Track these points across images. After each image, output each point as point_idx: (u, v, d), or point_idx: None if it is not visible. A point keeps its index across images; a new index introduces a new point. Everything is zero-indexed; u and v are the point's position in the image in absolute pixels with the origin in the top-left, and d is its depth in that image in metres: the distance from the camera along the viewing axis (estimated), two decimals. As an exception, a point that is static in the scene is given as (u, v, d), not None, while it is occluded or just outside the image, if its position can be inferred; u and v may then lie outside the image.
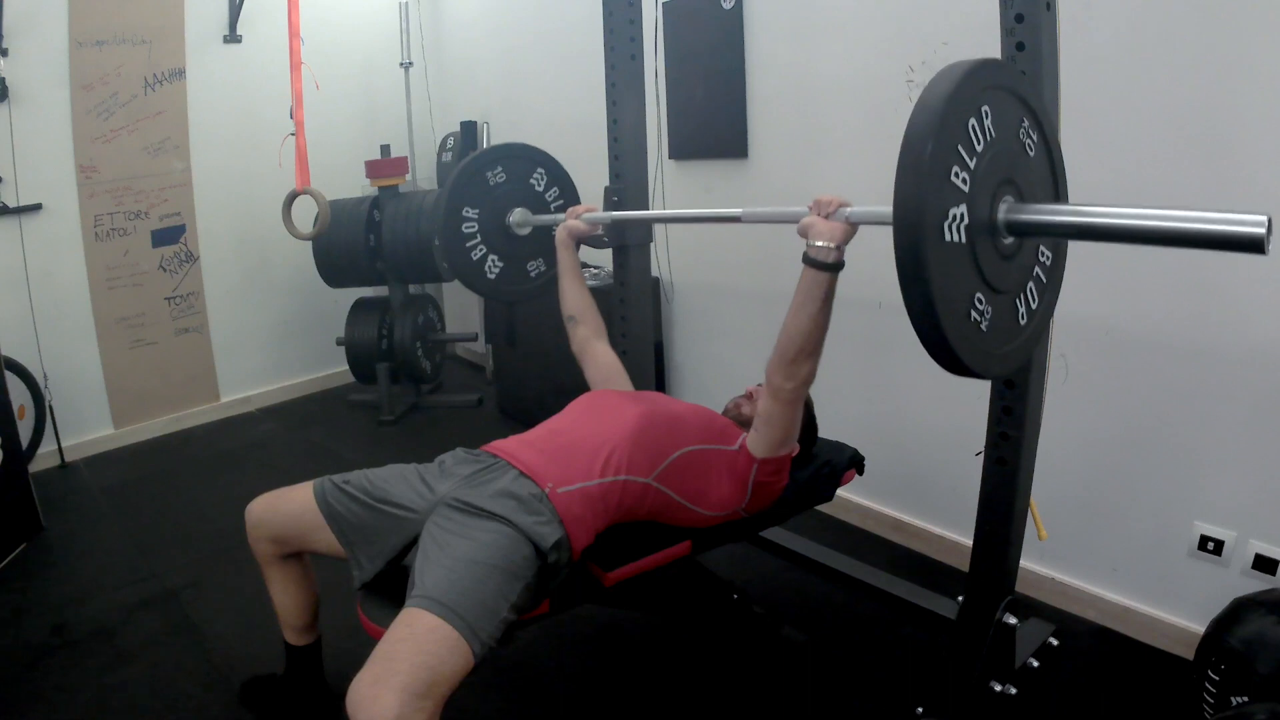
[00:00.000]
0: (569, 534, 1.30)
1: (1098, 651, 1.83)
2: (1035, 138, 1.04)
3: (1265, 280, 1.55)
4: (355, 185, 3.63)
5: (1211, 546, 1.70)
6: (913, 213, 0.86)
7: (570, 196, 2.05)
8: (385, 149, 3.48)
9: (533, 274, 2.02)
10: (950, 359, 0.92)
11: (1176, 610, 1.80)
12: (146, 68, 3.16)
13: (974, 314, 0.94)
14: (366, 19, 3.86)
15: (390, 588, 1.35)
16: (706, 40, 2.57)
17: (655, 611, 1.88)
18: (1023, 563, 1.49)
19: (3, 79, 2.80)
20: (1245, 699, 1.37)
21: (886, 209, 1.00)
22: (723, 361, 2.83)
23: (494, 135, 3.87)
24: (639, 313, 2.00)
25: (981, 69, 0.92)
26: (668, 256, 2.80)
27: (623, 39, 1.89)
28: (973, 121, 0.91)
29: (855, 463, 1.73)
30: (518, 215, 1.95)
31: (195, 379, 3.52)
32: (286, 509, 1.45)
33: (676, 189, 2.78)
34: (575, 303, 1.79)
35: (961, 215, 0.90)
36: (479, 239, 1.92)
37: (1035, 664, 1.44)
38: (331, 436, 3.35)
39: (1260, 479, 1.62)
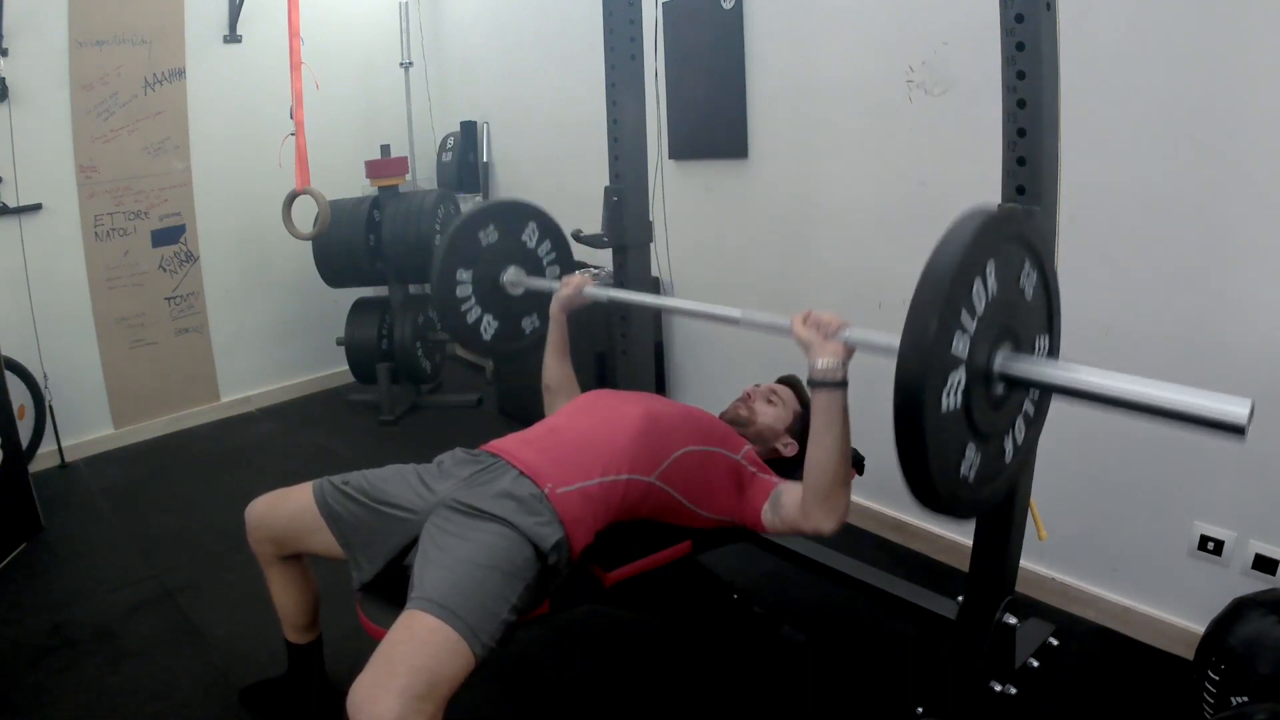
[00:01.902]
0: (569, 534, 1.30)
1: (1098, 651, 1.83)
2: (1034, 279, 1.06)
3: (1266, 280, 1.56)
4: (355, 185, 3.63)
5: (1211, 546, 1.70)
6: (914, 389, 0.88)
7: (562, 250, 2.04)
8: (385, 149, 3.48)
9: (528, 330, 2.03)
10: (939, 510, 0.96)
11: (1176, 610, 1.80)
12: (146, 68, 3.16)
13: (964, 466, 0.97)
14: (366, 19, 3.86)
15: (390, 588, 1.35)
16: (706, 40, 2.57)
17: (655, 611, 1.88)
18: (1023, 563, 1.48)
19: (3, 79, 2.79)
20: (1245, 699, 1.37)
21: (887, 338, 1.05)
22: (723, 362, 2.83)
23: (494, 135, 3.87)
24: (639, 313, 2.00)
25: (991, 226, 0.93)
26: (668, 256, 2.80)
27: (623, 39, 1.89)
28: (978, 283, 0.93)
29: (856, 463, 1.73)
30: (511, 274, 1.94)
31: (195, 379, 3.52)
32: (286, 510, 1.45)
33: (676, 189, 2.78)
34: (556, 376, 1.79)
35: (960, 381, 0.92)
36: (473, 300, 1.92)
37: (1035, 664, 1.44)
38: (331, 436, 3.35)
39: (1260, 479, 1.62)
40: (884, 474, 2.05)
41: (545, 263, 2.02)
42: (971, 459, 0.98)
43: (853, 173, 2.26)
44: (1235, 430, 0.85)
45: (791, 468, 1.50)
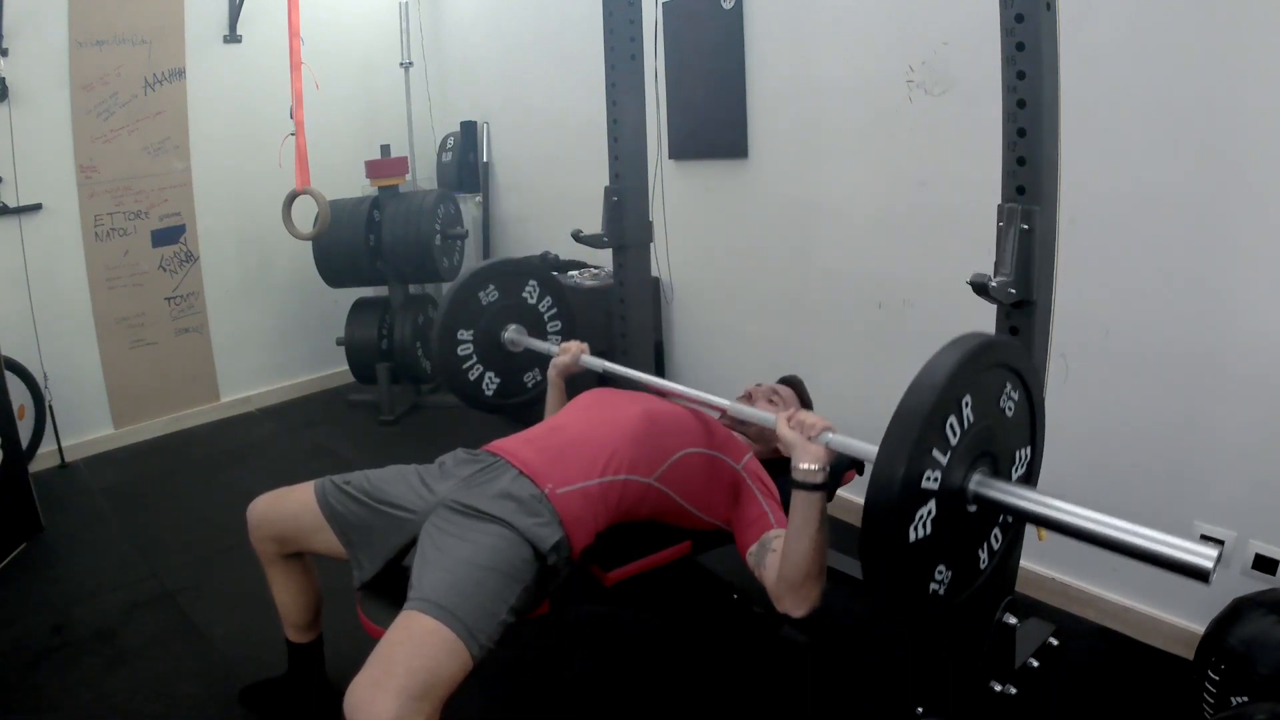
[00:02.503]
0: (568, 535, 1.30)
1: (1098, 651, 1.83)
2: (1017, 397, 1.08)
3: (1265, 281, 1.56)
4: (355, 185, 3.63)
5: (1211, 546, 1.70)
6: (878, 528, 0.90)
7: (563, 307, 2.06)
8: (385, 149, 3.48)
9: (530, 385, 2.05)
10: (910, 627, 0.99)
11: (1176, 610, 1.80)
12: (146, 68, 3.16)
13: (934, 585, 0.99)
14: (366, 19, 3.85)
15: (390, 588, 1.35)
16: (706, 40, 2.56)
17: (655, 611, 1.88)
18: (1023, 563, 1.49)
19: (3, 79, 2.79)
20: (1245, 699, 1.37)
21: (868, 448, 1.07)
22: (723, 361, 2.83)
23: (494, 135, 3.87)
24: (639, 313, 2.00)
25: (969, 361, 0.95)
26: (667, 256, 2.80)
27: (623, 39, 1.89)
28: (952, 419, 0.95)
29: (855, 463, 1.73)
30: (512, 333, 1.97)
31: (195, 379, 3.52)
32: (287, 509, 1.45)
33: (676, 189, 2.78)
34: None
35: (930, 511, 0.94)
36: (475, 359, 1.94)
37: (1035, 664, 1.44)
38: (331, 436, 3.35)
39: (1260, 479, 1.62)
40: (884, 474, 2.04)
41: (546, 318, 2.04)
42: (942, 578, 1.00)
43: (853, 173, 2.26)
44: (1200, 576, 0.87)
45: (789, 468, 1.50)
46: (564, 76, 3.26)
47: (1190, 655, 1.55)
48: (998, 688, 1.36)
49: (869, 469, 1.74)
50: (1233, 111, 1.54)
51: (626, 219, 1.95)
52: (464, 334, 1.91)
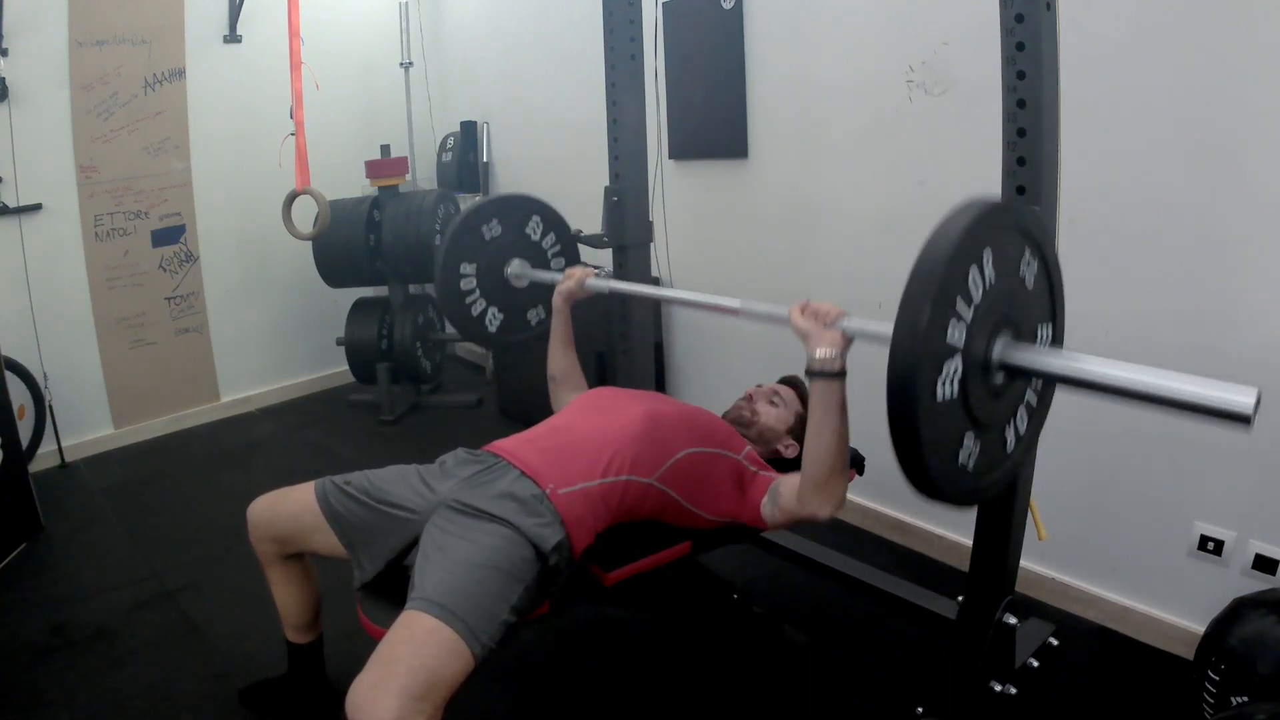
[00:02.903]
0: (569, 535, 1.30)
1: (1098, 651, 1.84)
2: (1035, 267, 1.04)
3: (1265, 281, 1.56)
4: (355, 185, 3.63)
5: (1211, 546, 1.70)
6: (906, 377, 0.87)
7: (567, 242, 2.04)
8: (385, 149, 3.48)
9: (533, 322, 2.03)
10: (937, 498, 0.94)
11: (1176, 610, 1.80)
12: (146, 68, 3.16)
13: (962, 455, 0.96)
14: (366, 19, 3.86)
15: (391, 588, 1.35)
16: (706, 40, 2.56)
17: (655, 611, 1.88)
18: (1023, 563, 1.48)
19: (3, 79, 2.79)
20: (1245, 699, 1.37)
21: (884, 327, 1.02)
22: (723, 362, 2.83)
23: (494, 135, 3.87)
24: (639, 313, 2.00)
25: (987, 216, 0.92)
26: (667, 256, 2.80)
27: (623, 39, 1.89)
28: (974, 271, 0.91)
29: (855, 463, 1.73)
30: (515, 267, 1.94)
31: (195, 379, 3.52)
32: (287, 509, 1.45)
33: (676, 189, 2.78)
34: (560, 366, 1.79)
35: (956, 370, 0.91)
36: (478, 294, 1.92)
37: (1035, 664, 1.44)
38: (331, 436, 3.35)
39: (1260, 479, 1.62)
40: (884, 474, 2.05)
41: (550, 254, 2.01)
42: (970, 448, 0.97)
43: (853, 173, 2.26)
44: (1241, 420, 0.83)
45: (792, 469, 1.50)
46: (564, 76, 3.26)
47: (1190, 655, 1.55)
48: (998, 688, 1.36)
49: (871, 466, 1.75)
50: (1233, 111, 1.54)
51: (626, 219, 1.95)
52: (467, 268, 1.88)
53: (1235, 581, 1.66)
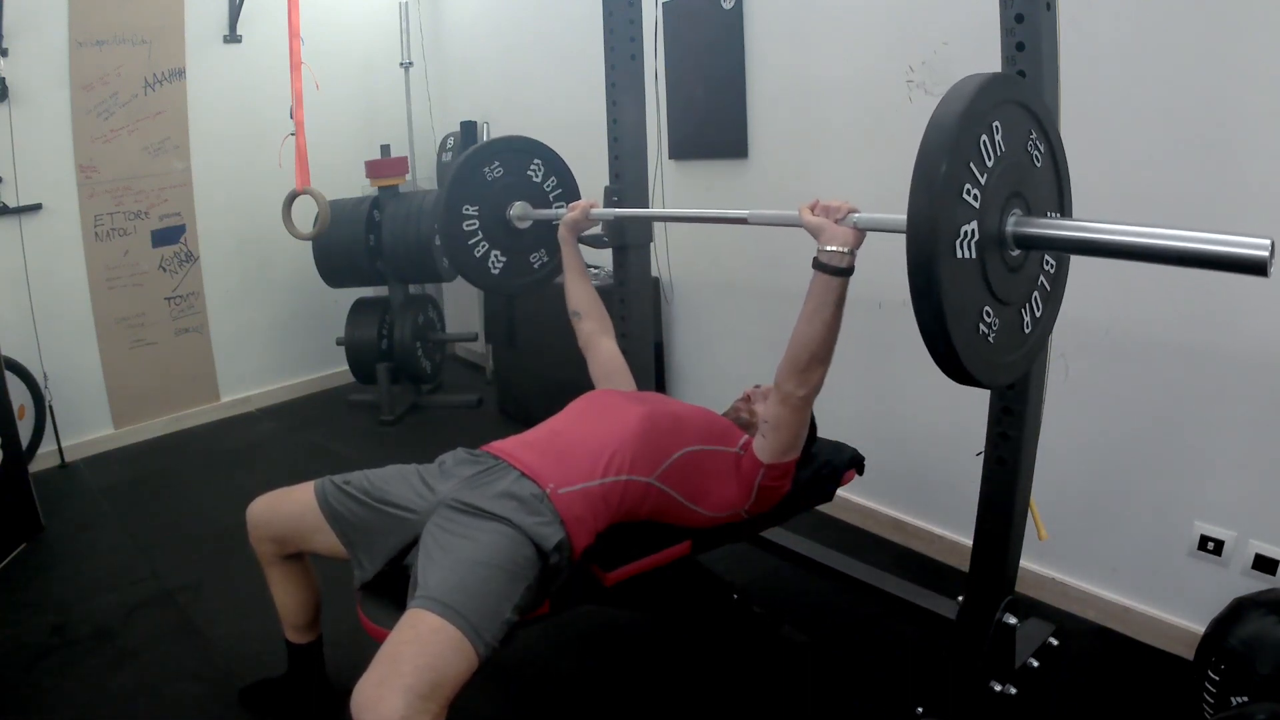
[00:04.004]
0: (570, 535, 1.30)
1: (1098, 651, 1.84)
2: (1042, 148, 1.05)
3: (1265, 280, 1.55)
4: (355, 185, 3.63)
5: (1211, 546, 1.70)
6: (927, 230, 0.87)
7: (568, 185, 2.04)
8: (385, 149, 3.48)
9: (536, 265, 2.02)
10: (958, 370, 0.93)
11: (1176, 610, 1.80)
12: (146, 68, 3.16)
13: (982, 327, 0.96)
14: (366, 19, 3.86)
15: (390, 588, 1.35)
16: (706, 40, 2.57)
17: (655, 611, 1.88)
18: (1023, 563, 1.49)
19: (3, 79, 2.80)
20: (1245, 699, 1.37)
21: (897, 217, 1.01)
22: (723, 361, 2.83)
23: (494, 135, 3.87)
24: (639, 313, 2.00)
25: (993, 84, 0.92)
26: (668, 256, 2.80)
27: (623, 39, 1.89)
28: (984, 138, 0.92)
29: (855, 463, 1.73)
30: (518, 209, 1.94)
31: (195, 379, 3.52)
32: (287, 509, 1.45)
33: (676, 189, 2.78)
34: (580, 298, 1.79)
35: (972, 231, 0.91)
36: (480, 236, 1.91)
37: (1035, 664, 1.44)
38: (331, 436, 3.35)
39: (1260, 479, 1.62)
40: (884, 474, 2.06)
41: (552, 197, 2.01)
42: (990, 321, 0.97)
43: (853, 173, 2.26)
44: (1257, 267, 0.82)
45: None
46: (564, 76, 3.26)
47: (1190, 655, 1.55)
48: (998, 688, 1.36)
49: (868, 469, 1.75)
50: (1233, 111, 1.54)
51: (626, 219, 1.95)
52: (469, 209, 1.88)
53: (1235, 581, 1.66)
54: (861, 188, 2.24)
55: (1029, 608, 1.48)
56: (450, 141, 3.92)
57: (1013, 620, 1.37)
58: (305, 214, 2.66)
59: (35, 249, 2.96)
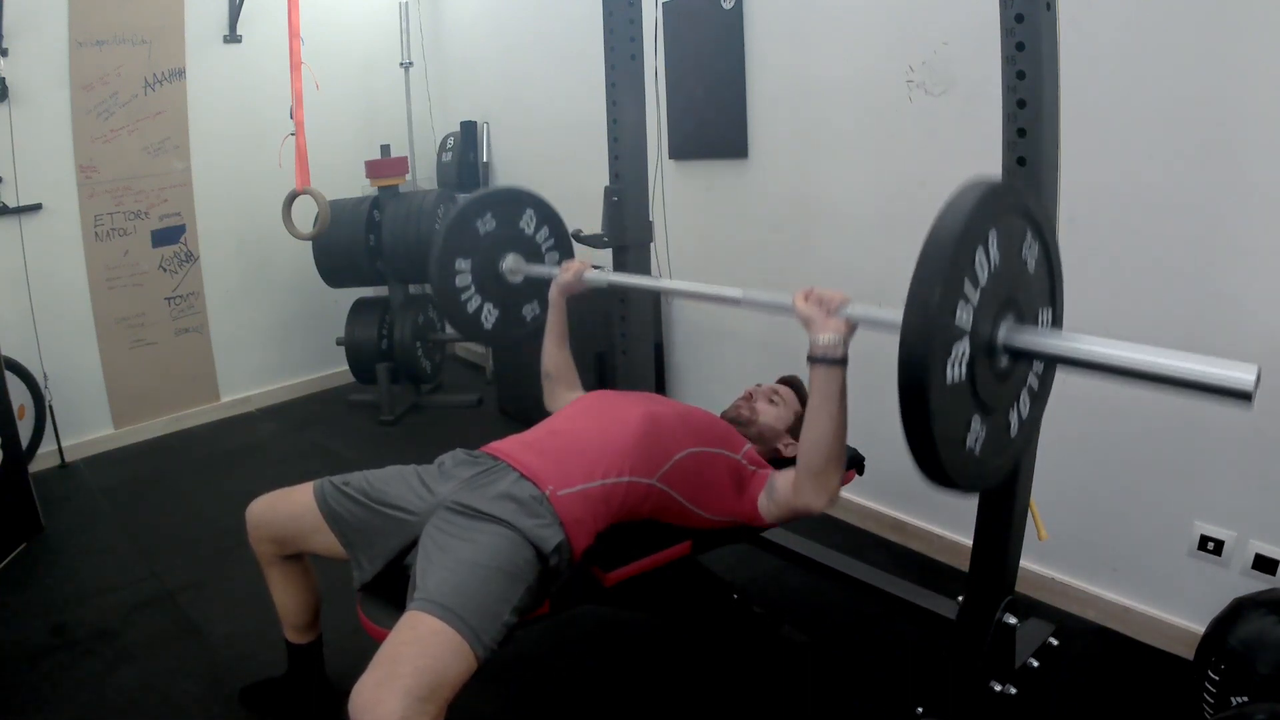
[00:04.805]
0: (569, 536, 1.30)
1: (1098, 651, 1.84)
2: (1036, 250, 1.05)
3: (1265, 281, 1.56)
4: (355, 185, 3.63)
5: (1211, 546, 1.70)
6: (918, 358, 0.87)
7: (561, 236, 2.03)
8: (385, 149, 3.47)
9: (529, 318, 2.02)
10: (946, 485, 0.95)
11: (1176, 610, 1.80)
12: (146, 68, 3.16)
13: (969, 440, 0.96)
14: (366, 19, 3.86)
15: (390, 588, 1.35)
16: (706, 40, 2.57)
17: (655, 611, 1.88)
18: (1023, 563, 1.49)
19: (3, 79, 2.79)
20: (1245, 699, 1.37)
21: (889, 314, 1.03)
22: (723, 362, 2.83)
23: (494, 135, 3.87)
24: (639, 313, 2.00)
25: (991, 198, 0.92)
26: (668, 257, 2.80)
27: (623, 39, 1.89)
28: (980, 252, 0.92)
29: (855, 463, 1.73)
30: (510, 262, 1.93)
31: (195, 379, 3.52)
32: (287, 510, 1.45)
33: (676, 189, 2.78)
34: (555, 363, 1.78)
35: (964, 352, 0.91)
36: (473, 289, 1.90)
37: (1035, 664, 1.44)
38: (331, 436, 3.35)
39: (1260, 479, 1.62)
40: (884, 474, 2.06)
41: (544, 249, 2.00)
42: (977, 432, 0.97)
43: (853, 173, 2.26)
44: (1242, 396, 0.83)
45: (791, 466, 1.50)
46: (564, 76, 3.26)
47: (1190, 655, 1.55)
48: (998, 688, 1.36)
49: (868, 469, 1.75)
50: (1233, 111, 1.54)
51: (626, 219, 1.95)
52: (461, 263, 1.87)
53: (1235, 581, 1.66)
54: (862, 188, 2.25)
55: (1029, 608, 1.48)
56: (450, 141, 3.92)
57: (1013, 620, 1.37)
58: (305, 214, 2.66)
59: (35, 249, 2.95)
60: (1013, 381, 1.03)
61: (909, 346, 0.87)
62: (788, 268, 2.50)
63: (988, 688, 1.37)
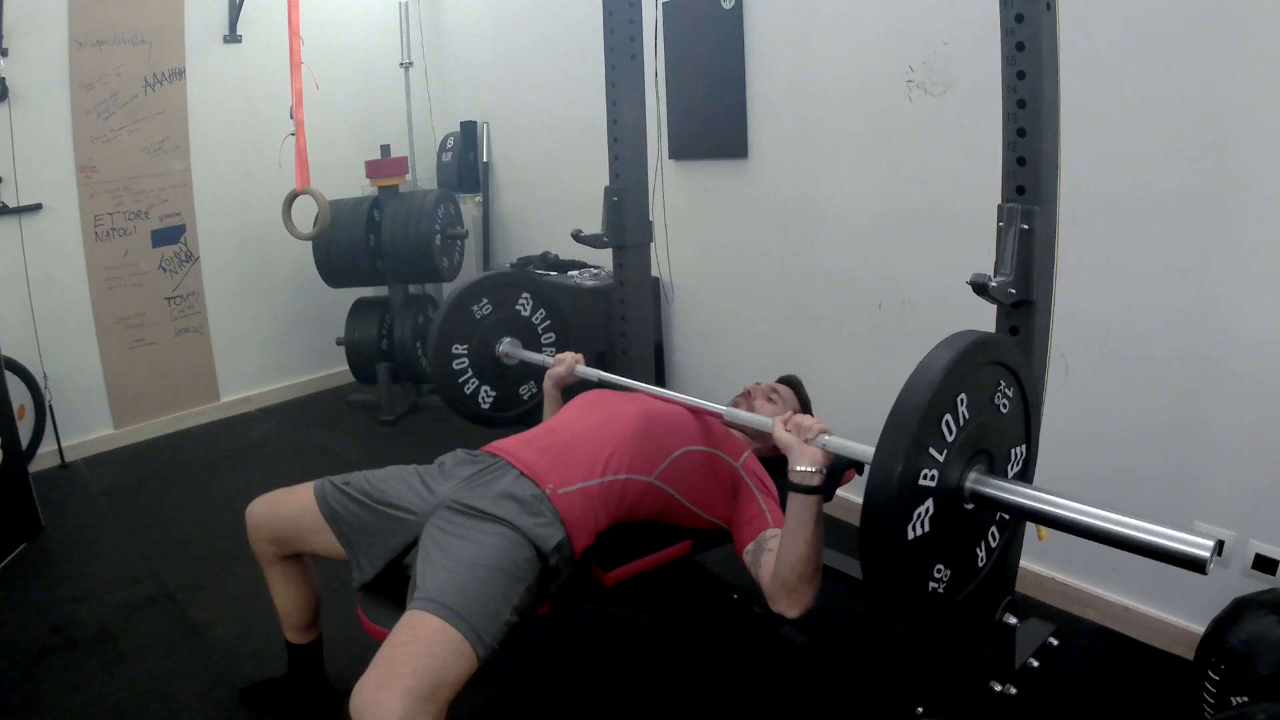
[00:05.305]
0: (570, 535, 1.30)
1: (1098, 651, 1.83)
2: (1012, 393, 1.08)
3: (1265, 280, 1.56)
4: (355, 185, 3.63)
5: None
6: (879, 525, 0.91)
7: (557, 319, 2.06)
8: (385, 149, 3.47)
9: (525, 397, 2.06)
10: (909, 626, 0.99)
11: (1176, 610, 1.80)
12: (146, 68, 3.16)
13: (933, 584, 0.99)
14: (366, 19, 3.85)
15: (390, 588, 1.35)
16: (706, 40, 2.57)
17: (655, 611, 1.88)
18: (1023, 563, 1.49)
19: (3, 79, 2.79)
20: (1245, 699, 1.37)
21: (864, 449, 1.08)
22: (723, 362, 2.83)
23: (494, 135, 3.87)
24: (639, 313, 2.00)
25: (963, 359, 0.95)
26: (668, 256, 2.80)
27: (623, 39, 1.89)
28: (947, 417, 0.95)
29: (855, 462, 1.73)
30: (506, 346, 1.98)
31: (195, 379, 3.52)
32: (287, 510, 1.45)
33: (676, 189, 2.78)
34: None
35: (928, 509, 0.94)
36: (470, 373, 1.95)
37: (1035, 664, 1.44)
38: (331, 436, 3.35)
39: (1260, 479, 1.62)
40: (884, 474, 2.06)
41: (540, 330, 2.05)
42: (941, 576, 1.00)
43: (853, 173, 2.26)
44: (1197, 568, 0.89)
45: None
46: (564, 76, 3.26)
47: (1190, 655, 1.55)
48: (998, 688, 1.36)
49: (869, 469, 1.75)
50: (1233, 112, 1.54)
51: (626, 219, 1.95)
52: (459, 348, 1.92)
53: (1235, 581, 1.66)
54: (862, 188, 2.25)
55: (1029, 608, 1.48)
56: (450, 141, 3.92)
57: (1013, 620, 1.37)
58: (305, 214, 2.66)
59: (35, 249, 2.95)
60: (982, 520, 1.06)
61: (869, 513, 0.91)
62: (788, 267, 2.50)
63: (988, 688, 1.37)
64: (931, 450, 0.94)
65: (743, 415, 1.43)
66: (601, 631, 1.93)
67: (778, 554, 1.26)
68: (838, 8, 2.20)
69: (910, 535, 0.93)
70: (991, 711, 1.36)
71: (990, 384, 1.04)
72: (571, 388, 1.78)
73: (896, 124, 2.11)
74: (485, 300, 1.95)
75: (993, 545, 1.10)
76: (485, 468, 1.39)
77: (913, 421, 0.90)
